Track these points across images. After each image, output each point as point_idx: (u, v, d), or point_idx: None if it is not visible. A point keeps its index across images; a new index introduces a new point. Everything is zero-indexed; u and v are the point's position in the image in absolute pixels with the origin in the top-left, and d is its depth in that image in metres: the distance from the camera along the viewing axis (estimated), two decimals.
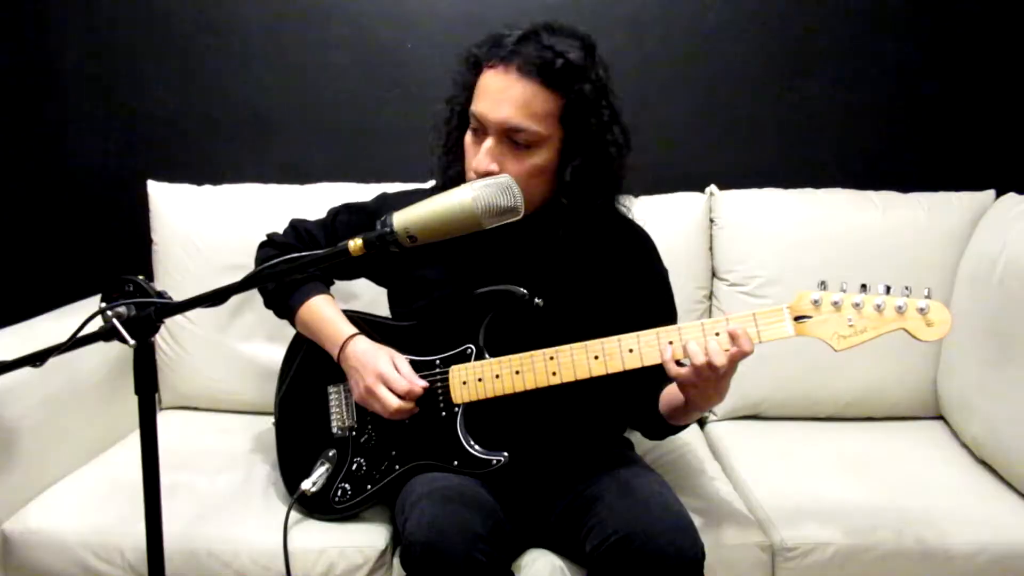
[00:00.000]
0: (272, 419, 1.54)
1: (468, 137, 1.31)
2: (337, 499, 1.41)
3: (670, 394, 1.32)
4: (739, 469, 1.67)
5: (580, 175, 1.30)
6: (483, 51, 1.29)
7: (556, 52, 1.24)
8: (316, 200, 1.85)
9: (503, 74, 1.25)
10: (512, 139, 1.26)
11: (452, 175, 1.35)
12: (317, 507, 1.43)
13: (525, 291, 1.31)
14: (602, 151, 1.31)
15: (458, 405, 1.33)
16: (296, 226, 1.54)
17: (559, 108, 1.26)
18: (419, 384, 1.32)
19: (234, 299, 1.14)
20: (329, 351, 1.41)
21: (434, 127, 1.40)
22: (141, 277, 1.06)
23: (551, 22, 1.29)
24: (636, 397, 1.39)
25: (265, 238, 1.56)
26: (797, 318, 1.17)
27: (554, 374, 1.25)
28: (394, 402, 1.30)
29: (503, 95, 1.24)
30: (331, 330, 1.41)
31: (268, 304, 1.51)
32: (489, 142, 1.26)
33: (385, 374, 1.32)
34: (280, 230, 1.56)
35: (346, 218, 1.51)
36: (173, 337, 1.93)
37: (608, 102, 1.30)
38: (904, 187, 1.98)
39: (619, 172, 1.35)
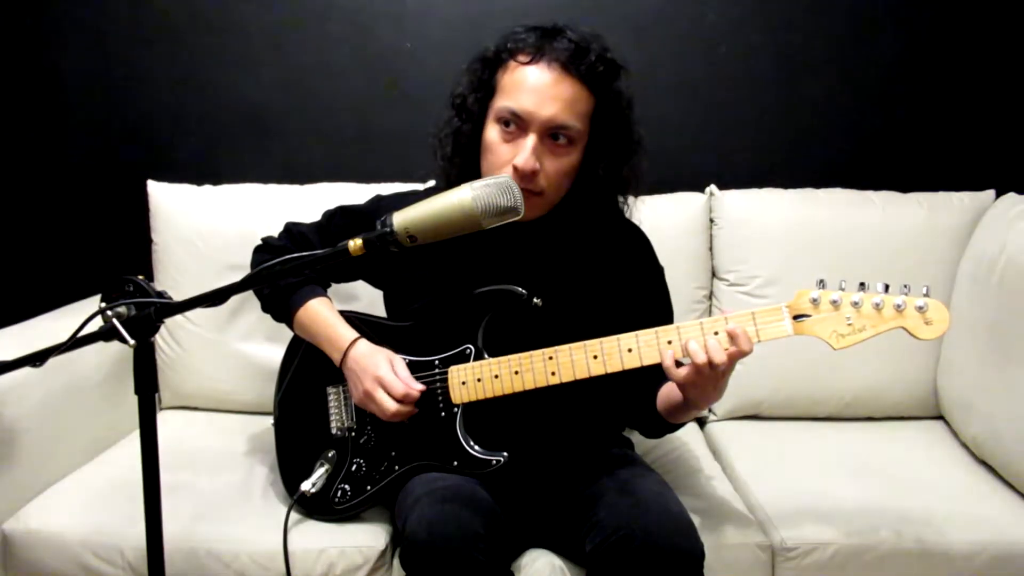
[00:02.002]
0: (272, 419, 1.54)
1: (494, 134, 1.29)
2: (337, 500, 1.41)
3: (668, 393, 1.33)
4: (739, 469, 1.67)
5: (610, 174, 1.32)
6: (510, 45, 1.28)
7: (597, 51, 1.25)
8: (315, 200, 1.85)
9: (545, 69, 1.24)
10: (552, 137, 1.26)
11: (467, 176, 1.29)
12: (317, 508, 1.43)
13: (524, 291, 1.31)
14: (630, 149, 1.33)
15: (457, 405, 1.33)
16: (291, 229, 1.54)
17: (592, 107, 1.28)
18: (416, 387, 1.32)
19: (234, 299, 1.14)
20: (329, 355, 1.41)
21: (439, 130, 1.38)
22: (141, 277, 1.06)
23: (561, 23, 1.30)
24: (634, 396, 1.39)
25: (260, 242, 1.55)
26: (796, 317, 1.17)
27: (553, 374, 1.25)
28: (391, 406, 1.30)
29: (549, 92, 1.24)
30: (331, 334, 1.40)
31: (265, 308, 1.51)
32: (532, 140, 1.25)
33: (383, 378, 1.31)
34: (276, 232, 1.55)
35: (341, 220, 1.51)
36: (173, 337, 1.93)
37: (630, 101, 1.32)
38: (904, 187, 1.98)
39: (640, 170, 1.37)
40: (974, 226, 1.85)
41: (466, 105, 1.33)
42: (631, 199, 1.44)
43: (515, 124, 1.26)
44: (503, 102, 1.27)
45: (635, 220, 1.47)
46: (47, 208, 2.23)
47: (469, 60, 1.35)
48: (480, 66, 1.32)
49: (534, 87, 1.24)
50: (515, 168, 1.25)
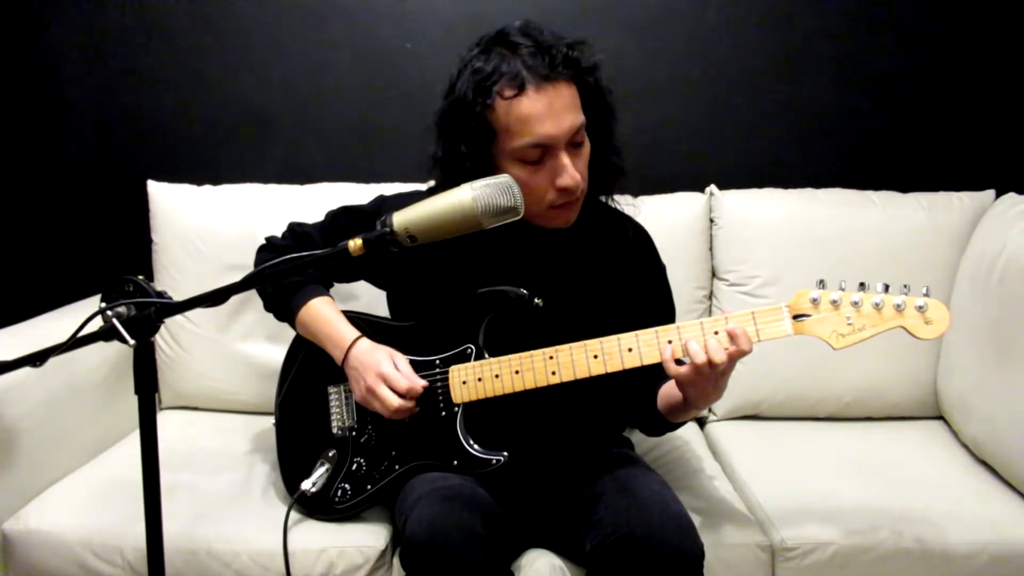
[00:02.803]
0: (272, 419, 1.54)
1: (520, 172, 1.25)
2: (337, 499, 1.41)
3: (668, 392, 1.33)
4: (739, 469, 1.67)
5: (609, 142, 1.34)
6: (486, 83, 1.24)
7: (558, 42, 1.25)
8: (316, 200, 1.86)
9: (536, 91, 1.22)
10: (572, 142, 1.27)
11: None
12: (317, 507, 1.43)
13: (525, 291, 1.31)
14: (612, 110, 1.34)
15: (458, 405, 1.34)
16: (295, 229, 1.54)
17: (579, 92, 1.28)
18: (419, 383, 1.32)
19: (234, 299, 1.14)
20: (331, 353, 1.41)
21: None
22: (141, 277, 1.07)
23: (499, 27, 1.29)
24: (634, 395, 1.40)
25: (264, 242, 1.55)
26: (796, 317, 1.17)
27: (553, 373, 1.26)
28: (395, 401, 1.30)
29: (555, 106, 1.23)
30: (333, 333, 1.40)
31: (268, 307, 1.51)
32: (565, 157, 1.25)
33: (386, 373, 1.32)
34: (279, 232, 1.56)
35: (344, 221, 1.51)
36: (173, 337, 1.93)
37: (597, 66, 1.32)
38: (904, 187, 1.98)
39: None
40: (974, 226, 1.85)
41: (474, 161, 1.27)
42: (628, 198, 1.44)
43: (540, 153, 1.25)
44: (519, 141, 1.24)
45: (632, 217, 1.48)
46: (47, 208, 2.23)
47: (440, 116, 1.30)
48: (465, 117, 1.26)
49: (541, 112, 1.22)
50: (563, 190, 1.26)
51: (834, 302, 1.15)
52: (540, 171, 1.26)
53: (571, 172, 1.25)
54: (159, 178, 1.99)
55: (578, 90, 1.28)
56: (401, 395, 1.31)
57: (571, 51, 1.26)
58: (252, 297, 1.55)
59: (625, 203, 1.45)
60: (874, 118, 2.12)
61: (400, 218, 1.04)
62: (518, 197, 1.06)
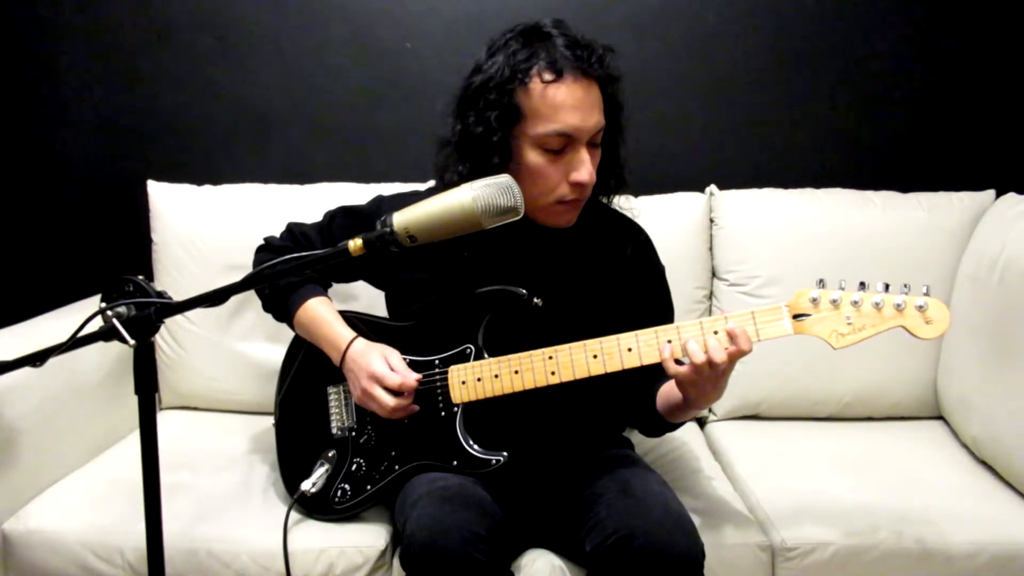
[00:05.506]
0: (272, 419, 1.54)
1: (539, 159, 1.26)
2: (337, 499, 1.41)
3: (668, 393, 1.33)
4: (739, 469, 1.67)
5: (617, 167, 1.35)
6: (523, 65, 1.24)
7: (593, 45, 1.26)
8: (316, 200, 1.86)
9: (573, 82, 1.23)
10: (592, 142, 1.27)
11: None
12: (317, 508, 1.43)
13: (524, 291, 1.31)
14: (621, 140, 1.35)
15: (457, 405, 1.33)
16: (293, 230, 1.54)
17: (602, 95, 1.29)
18: (412, 377, 1.32)
19: (234, 299, 1.14)
20: (329, 355, 1.41)
21: (457, 175, 1.29)
22: (141, 277, 1.07)
23: (534, 20, 1.29)
24: (633, 395, 1.40)
25: (262, 242, 1.55)
26: (796, 316, 1.17)
27: (553, 373, 1.26)
28: (390, 402, 1.30)
29: (586, 101, 1.24)
30: (330, 334, 1.40)
31: (266, 307, 1.51)
32: (586, 152, 1.26)
33: (378, 373, 1.32)
34: (278, 233, 1.56)
35: (343, 221, 1.51)
36: (173, 337, 1.93)
37: (619, 78, 1.33)
38: (904, 187, 1.98)
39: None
40: (974, 226, 1.85)
41: (498, 136, 1.26)
42: (629, 199, 1.44)
43: (563, 143, 1.25)
44: (546, 127, 1.24)
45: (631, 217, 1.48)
46: (47, 208, 2.23)
47: (463, 93, 1.30)
48: (497, 94, 1.26)
49: (575, 103, 1.23)
50: (577, 184, 1.27)
51: (834, 301, 1.15)
52: (558, 162, 1.27)
53: (588, 167, 1.26)
54: (159, 178, 1.99)
55: (601, 90, 1.28)
56: (395, 392, 1.31)
57: (604, 52, 1.28)
58: (252, 297, 1.55)
59: (625, 204, 1.46)
60: (874, 118, 2.12)
61: (400, 218, 1.04)
62: (518, 197, 1.06)
